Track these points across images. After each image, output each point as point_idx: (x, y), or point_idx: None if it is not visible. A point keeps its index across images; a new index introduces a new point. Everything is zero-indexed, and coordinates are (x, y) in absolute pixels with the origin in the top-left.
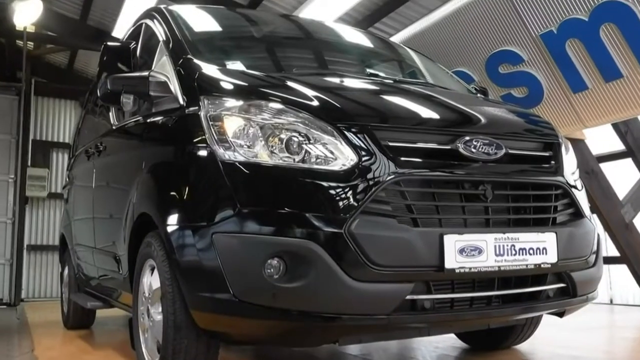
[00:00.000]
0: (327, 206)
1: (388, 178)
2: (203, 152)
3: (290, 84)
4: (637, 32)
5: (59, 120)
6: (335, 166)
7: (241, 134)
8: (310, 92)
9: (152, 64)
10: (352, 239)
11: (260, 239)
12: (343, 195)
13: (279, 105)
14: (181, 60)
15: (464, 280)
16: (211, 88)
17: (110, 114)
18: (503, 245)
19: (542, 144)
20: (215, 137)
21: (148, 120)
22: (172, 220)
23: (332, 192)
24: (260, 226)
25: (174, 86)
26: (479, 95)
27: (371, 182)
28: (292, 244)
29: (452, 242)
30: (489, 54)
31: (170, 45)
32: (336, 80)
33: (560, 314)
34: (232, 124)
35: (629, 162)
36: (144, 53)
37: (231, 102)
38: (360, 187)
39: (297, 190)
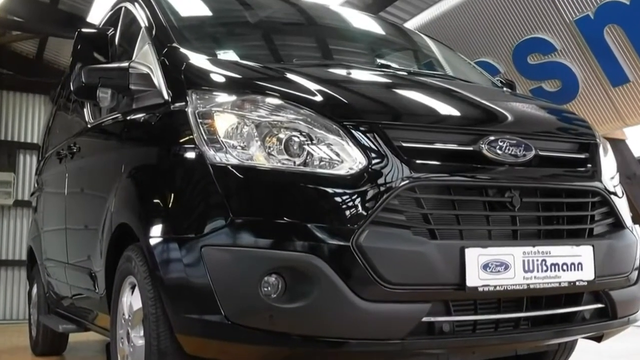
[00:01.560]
0: (332, 216)
1: (402, 184)
2: (191, 154)
3: (290, 76)
4: None
5: (27, 118)
6: (342, 170)
7: (234, 134)
8: (313, 86)
9: (132, 54)
10: (360, 253)
11: (255, 252)
12: (350, 203)
13: (277, 101)
14: (166, 49)
15: (488, 300)
16: (200, 81)
17: (85, 110)
18: (532, 260)
19: (577, 144)
20: (205, 137)
21: (128, 118)
22: (156, 231)
23: (338, 199)
24: (255, 238)
25: (158, 79)
26: (505, 89)
27: (382, 188)
28: (292, 259)
29: (475, 257)
30: (516, 42)
31: (154, 32)
32: (342, 72)
33: (598, 339)
34: (223, 122)
35: None
36: (123, 41)
37: (223, 97)
38: (370, 193)
39: (298, 198)
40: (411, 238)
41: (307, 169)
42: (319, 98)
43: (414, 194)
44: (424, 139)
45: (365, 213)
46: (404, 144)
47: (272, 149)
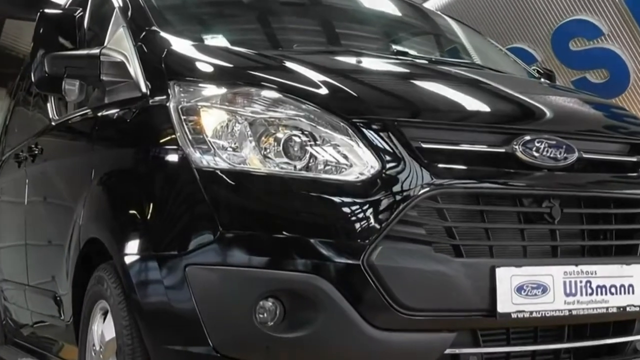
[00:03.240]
0: (340, 229)
1: (421, 192)
2: (173, 157)
3: (289, 65)
4: None
5: None
6: (350, 175)
7: (224, 133)
8: (316, 77)
9: (104, 39)
10: (372, 273)
11: (249, 273)
12: (360, 215)
13: (274, 94)
14: (143, 33)
15: (523, 329)
16: (184, 70)
17: (49, 105)
18: (575, 282)
19: (627, 145)
20: (190, 137)
21: (99, 114)
22: (132, 247)
23: (346, 210)
24: (249, 256)
25: (134, 68)
26: (542, 80)
27: (398, 197)
28: (292, 280)
29: (508, 278)
30: (556, 25)
31: (129, 13)
32: (352, 60)
33: None
34: (211, 119)
35: None
36: (93, 24)
37: (211, 90)
38: (384, 203)
39: (299, 208)
40: (432, 256)
41: (310, 174)
42: (324, 91)
43: (436, 203)
44: (448, 139)
45: (378, 226)
46: (424, 145)
47: (268, 150)
